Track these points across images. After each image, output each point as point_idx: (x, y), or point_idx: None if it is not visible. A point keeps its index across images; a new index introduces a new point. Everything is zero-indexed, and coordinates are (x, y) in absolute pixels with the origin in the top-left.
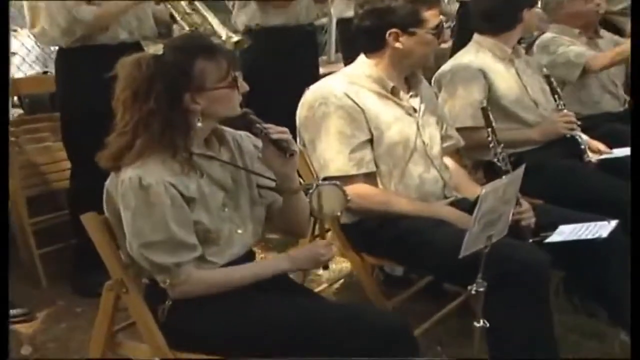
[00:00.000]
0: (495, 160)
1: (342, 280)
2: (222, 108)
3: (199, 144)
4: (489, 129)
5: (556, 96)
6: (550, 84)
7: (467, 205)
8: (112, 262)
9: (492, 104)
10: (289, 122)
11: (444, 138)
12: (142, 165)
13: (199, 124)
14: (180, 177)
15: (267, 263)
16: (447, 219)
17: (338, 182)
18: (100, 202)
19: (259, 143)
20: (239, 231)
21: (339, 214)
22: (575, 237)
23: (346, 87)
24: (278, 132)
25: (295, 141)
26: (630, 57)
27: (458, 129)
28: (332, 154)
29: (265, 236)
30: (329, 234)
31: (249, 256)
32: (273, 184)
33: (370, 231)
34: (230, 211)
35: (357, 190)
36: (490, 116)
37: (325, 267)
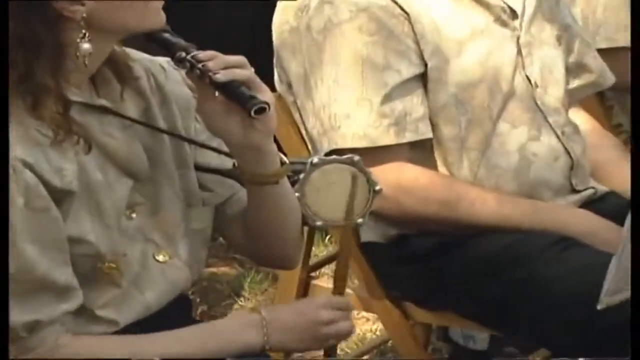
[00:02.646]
0: None
1: (366, 358)
2: (129, 15)
3: (82, 86)
4: None
5: None
6: None
7: (616, 207)
8: None
9: None
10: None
11: (572, 70)
12: None
13: (84, 45)
14: (45, 151)
15: (218, 329)
16: (576, 234)
17: (358, 158)
18: None
19: None
20: (160, 257)
21: (359, 221)
22: None
23: None
24: (225, 65)
25: (270, 81)
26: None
27: (603, 52)
28: (346, 103)
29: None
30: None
31: (179, 309)
32: (228, 164)
33: (420, 258)
34: (144, 218)
35: (397, 176)
36: None
37: (328, 353)
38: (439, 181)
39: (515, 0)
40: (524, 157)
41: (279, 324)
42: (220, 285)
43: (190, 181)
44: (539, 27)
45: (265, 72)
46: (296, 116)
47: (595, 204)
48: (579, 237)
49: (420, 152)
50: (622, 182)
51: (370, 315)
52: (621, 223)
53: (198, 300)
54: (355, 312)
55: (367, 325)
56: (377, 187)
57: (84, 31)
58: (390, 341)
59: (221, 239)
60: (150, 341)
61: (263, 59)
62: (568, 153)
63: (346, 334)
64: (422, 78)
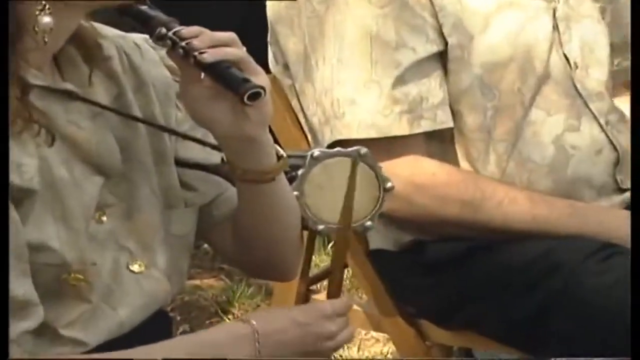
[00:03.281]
0: None
1: None
2: None
3: (43, 68)
4: None
5: None
6: None
7: None
8: None
9: None
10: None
11: (618, 49)
12: None
13: (44, 19)
14: None
15: (204, 341)
16: (621, 240)
17: (366, 151)
18: None
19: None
20: (135, 267)
21: (368, 225)
22: None
23: None
24: (213, 43)
25: (263, 61)
26: (630, 57)
27: None
28: (352, 87)
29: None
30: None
31: (157, 328)
32: (215, 158)
33: (439, 268)
34: (116, 221)
35: (412, 172)
36: None
37: None
38: (460, 177)
39: None
40: (561, 150)
41: (273, 336)
42: (205, 301)
43: (171, 179)
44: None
45: (257, 51)
46: (294, 102)
47: None
48: (625, 244)
49: (439, 144)
50: None
51: (380, 335)
52: None
53: (179, 318)
54: (363, 332)
55: (377, 347)
56: (388, 185)
57: (43, 2)
58: None
59: (206, 245)
60: (125, 357)
61: (255, 35)
62: (612, 145)
63: (347, 342)
64: (441, 57)
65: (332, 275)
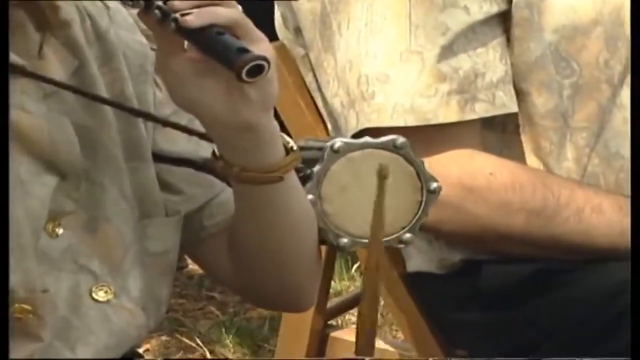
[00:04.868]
0: None
1: None
2: None
3: None
4: None
5: None
6: None
7: None
8: None
9: None
10: None
11: None
12: None
13: None
14: None
15: None
16: None
17: (404, 141)
18: None
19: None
20: (100, 295)
21: (406, 237)
22: None
23: None
24: (200, 3)
25: (268, 25)
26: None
27: None
28: (385, 59)
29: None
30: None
31: None
32: (207, 152)
33: (498, 298)
34: (75, 235)
35: (463, 171)
36: None
37: None
38: (526, 178)
39: None
40: None
41: None
42: (189, 339)
43: (147, 179)
44: None
45: (260, 13)
46: (308, 78)
47: None
48: None
49: (499, 134)
50: None
51: None
52: None
53: None
54: None
55: None
56: (433, 186)
57: None
58: None
59: (190, 267)
60: None
61: None
62: None
63: None
64: (503, 20)
65: (361, 320)
